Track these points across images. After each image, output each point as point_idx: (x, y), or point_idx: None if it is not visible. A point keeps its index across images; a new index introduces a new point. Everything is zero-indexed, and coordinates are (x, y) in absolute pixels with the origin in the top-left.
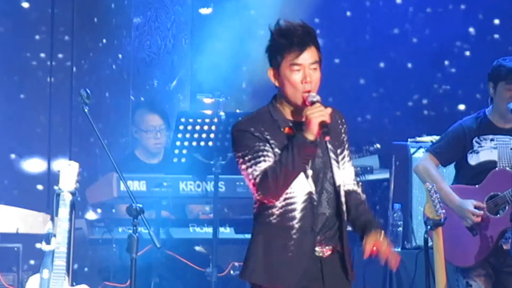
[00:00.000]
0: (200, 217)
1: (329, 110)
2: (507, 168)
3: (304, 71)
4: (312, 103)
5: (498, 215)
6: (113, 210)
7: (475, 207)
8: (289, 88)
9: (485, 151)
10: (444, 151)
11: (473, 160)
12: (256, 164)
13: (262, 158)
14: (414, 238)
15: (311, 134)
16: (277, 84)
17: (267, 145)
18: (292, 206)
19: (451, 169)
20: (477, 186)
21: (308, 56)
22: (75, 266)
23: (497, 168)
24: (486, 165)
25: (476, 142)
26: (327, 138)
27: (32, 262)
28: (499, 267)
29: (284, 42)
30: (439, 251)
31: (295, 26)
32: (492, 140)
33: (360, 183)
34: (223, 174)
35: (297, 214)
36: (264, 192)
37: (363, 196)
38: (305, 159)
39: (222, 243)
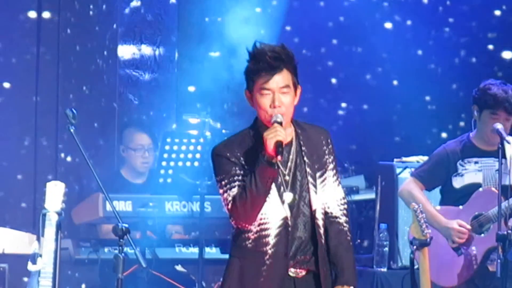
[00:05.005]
0: (172, 237)
1: (289, 131)
2: (492, 188)
3: (273, 96)
4: (274, 123)
5: (483, 235)
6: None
7: (460, 227)
8: (261, 111)
9: (470, 173)
10: (428, 175)
11: (457, 183)
12: (230, 189)
13: (236, 183)
14: (400, 258)
15: (267, 154)
16: (252, 106)
17: (243, 170)
18: (266, 232)
19: (436, 192)
20: (461, 207)
21: (278, 80)
22: (61, 284)
23: (481, 189)
24: (471, 187)
25: (460, 165)
26: (279, 158)
27: (18, 282)
28: None
29: (253, 67)
30: (425, 271)
31: (266, 50)
32: (476, 163)
33: (346, 206)
34: (209, 194)
35: (271, 240)
36: (235, 217)
37: (346, 226)
38: (266, 181)
39: (208, 263)
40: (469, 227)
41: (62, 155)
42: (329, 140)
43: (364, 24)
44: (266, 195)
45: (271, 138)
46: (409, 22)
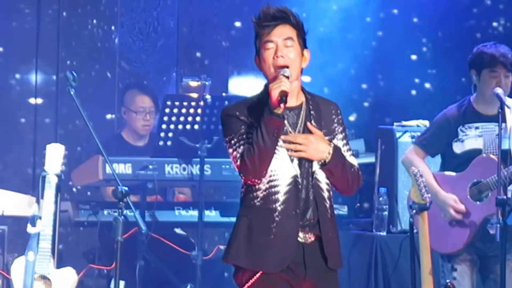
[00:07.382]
0: (175, 197)
1: (295, 92)
2: (491, 155)
3: (276, 47)
4: (280, 76)
5: (479, 202)
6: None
7: (456, 203)
8: (265, 67)
9: (470, 139)
10: (430, 143)
11: (458, 148)
12: (239, 147)
13: (245, 141)
14: (399, 222)
15: (272, 105)
16: (261, 70)
17: (252, 129)
18: (276, 189)
19: (438, 158)
20: (461, 173)
21: (281, 32)
22: (60, 246)
23: (480, 156)
24: (472, 153)
25: (461, 130)
26: (282, 107)
27: (17, 244)
28: (484, 252)
29: (258, 21)
30: (424, 236)
31: (270, 7)
32: (477, 128)
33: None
34: (208, 157)
35: (281, 197)
36: (244, 173)
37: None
38: (273, 133)
39: (208, 226)
40: (464, 210)
41: (62, 117)
42: (338, 111)
43: None
44: (273, 147)
45: (275, 89)
46: None
